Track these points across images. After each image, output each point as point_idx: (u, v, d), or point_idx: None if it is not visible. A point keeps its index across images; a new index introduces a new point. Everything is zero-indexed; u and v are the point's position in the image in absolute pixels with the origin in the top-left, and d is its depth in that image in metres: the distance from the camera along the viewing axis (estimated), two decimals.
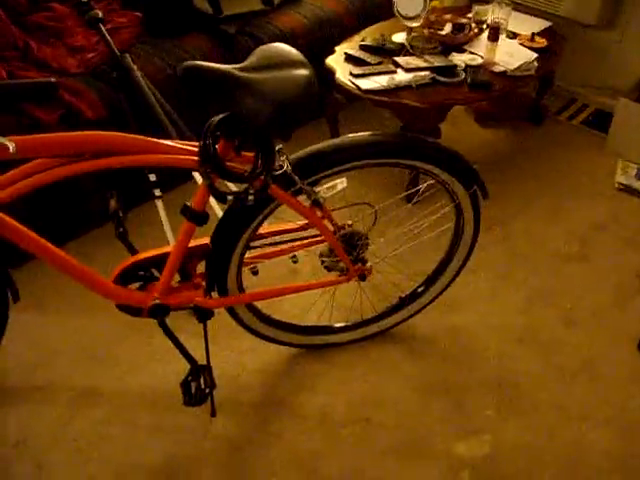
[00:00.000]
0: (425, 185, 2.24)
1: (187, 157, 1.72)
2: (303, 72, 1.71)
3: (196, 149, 1.72)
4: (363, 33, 3.12)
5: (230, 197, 1.71)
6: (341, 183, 1.96)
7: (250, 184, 1.70)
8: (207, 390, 2.02)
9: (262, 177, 1.70)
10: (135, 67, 2.50)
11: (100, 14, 2.63)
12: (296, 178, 1.80)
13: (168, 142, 1.73)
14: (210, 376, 2.03)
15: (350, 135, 1.90)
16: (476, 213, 2.11)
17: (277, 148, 1.75)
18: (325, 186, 1.95)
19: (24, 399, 2.21)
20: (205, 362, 2.05)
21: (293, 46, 1.83)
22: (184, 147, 1.73)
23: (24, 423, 2.14)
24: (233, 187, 2.17)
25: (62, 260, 1.81)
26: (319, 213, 1.92)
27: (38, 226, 1.77)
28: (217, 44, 2.91)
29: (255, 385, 2.23)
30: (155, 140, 1.71)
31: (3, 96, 1.34)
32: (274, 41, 2.98)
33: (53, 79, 1.28)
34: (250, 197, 1.71)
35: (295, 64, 1.73)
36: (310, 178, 1.85)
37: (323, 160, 1.86)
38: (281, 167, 1.78)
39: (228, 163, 1.69)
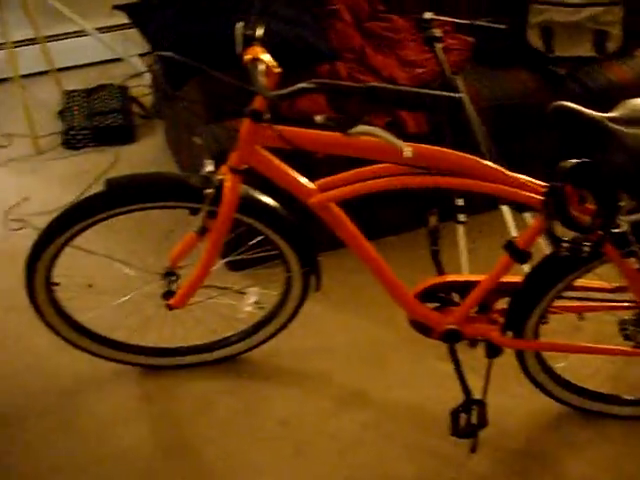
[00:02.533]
0: None
1: (531, 195, 1.70)
2: None
3: (542, 188, 1.71)
4: None
5: (566, 244, 1.67)
6: None
7: (587, 236, 1.66)
8: (477, 426, 2.00)
9: (600, 232, 1.65)
10: (463, 90, 2.53)
11: (439, 33, 2.69)
12: (633, 240, 1.73)
13: (515, 175, 1.72)
14: (484, 413, 2.00)
15: None
16: None
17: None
18: None
19: (294, 383, 2.30)
20: (479, 397, 2.02)
21: (618, 100, 1.75)
22: (529, 183, 1.72)
23: (290, 405, 2.22)
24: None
25: (373, 258, 1.86)
26: None
27: None
28: (544, 83, 2.87)
29: (520, 433, 2.17)
30: (503, 170, 1.71)
31: (408, 102, 1.39)
32: (601, 90, 2.94)
33: (460, 95, 1.30)
34: (585, 249, 1.67)
35: None
36: None
37: None
38: (619, 226, 1.72)
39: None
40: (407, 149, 1.35)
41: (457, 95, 1.34)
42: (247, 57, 1.62)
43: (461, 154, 1.65)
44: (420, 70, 2.79)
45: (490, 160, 2.34)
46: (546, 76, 2.91)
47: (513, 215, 2.39)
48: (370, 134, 1.39)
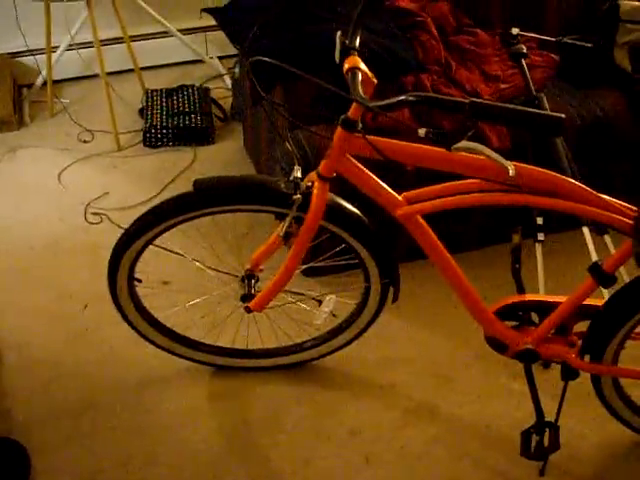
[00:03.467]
0: None
1: (621, 218, 1.68)
2: None
3: (632, 212, 1.68)
4: None
5: None
6: None
7: None
8: (549, 449, 1.97)
9: None
10: (547, 108, 2.51)
11: (524, 49, 2.68)
12: None
13: (605, 197, 1.70)
14: (557, 436, 1.98)
15: None
16: None
17: None
18: None
19: (365, 393, 2.31)
20: (552, 420, 2.00)
21: None
22: (620, 207, 1.70)
23: (361, 415, 2.23)
24: None
25: (454, 273, 1.86)
26: None
27: None
28: (629, 104, 2.83)
29: (591, 459, 2.13)
30: (595, 193, 1.69)
31: (509, 119, 1.38)
32: None
33: (563, 115, 1.30)
34: None
35: None
36: None
37: None
38: None
39: None
40: (512, 168, 1.35)
41: (560, 115, 1.32)
42: (346, 66, 1.63)
43: (556, 174, 1.63)
44: (504, 85, 2.77)
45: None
46: (631, 97, 2.86)
47: (593, 237, 2.38)
48: (475, 151, 1.39)
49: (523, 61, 2.66)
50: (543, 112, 1.36)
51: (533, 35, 2.92)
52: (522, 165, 1.58)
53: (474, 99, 1.37)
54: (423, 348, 2.45)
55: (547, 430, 1.99)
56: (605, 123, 2.73)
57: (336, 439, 2.17)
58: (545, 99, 2.54)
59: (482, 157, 1.45)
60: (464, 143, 1.37)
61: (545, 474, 2.06)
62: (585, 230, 2.37)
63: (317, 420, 2.22)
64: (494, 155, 1.37)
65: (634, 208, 1.69)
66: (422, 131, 1.41)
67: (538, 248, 2.40)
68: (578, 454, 2.15)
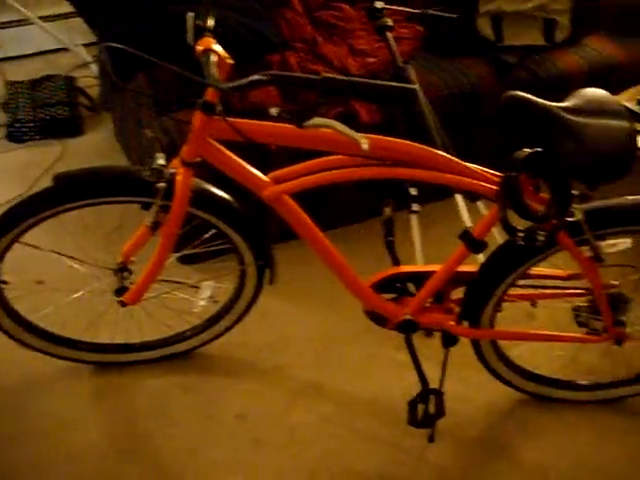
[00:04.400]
0: None
1: (486, 185, 1.71)
2: (624, 124, 1.65)
3: (496, 178, 1.71)
4: None
5: (521, 234, 1.68)
6: (625, 243, 1.88)
7: (542, 225, 1.66)
8: (435, 416, 2.00)
9: (555, 221, 1.66)
10: (415, 79, 2.53)
11: (390, 22, 2.68)
12: (586, 228, 1.75)
13: (471, 165, 1.72)
14: (441, 403, 2.01)
15: None
16: None
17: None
18: (608, 242, 1.87)
19: (250, 377, 2.28)
20: (437, 387, 2.03)
21: (567, 88, 1.77)
22: (484, 174, 1.72)
23: (247, 400, 2.21)
24: None
25: (327, 250, 1.85)
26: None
27: None
28: (494, 71, 2.88)
29: (478, 421, 2.18)
30: (460, 162, 1.71)
31: (362, 93, 1.37)
32: (551, 78, 2.97)
33: (414, 85, 1.29)
34: (540, 238, 1.68)
35: (616, 114, 1.67)
36: (598, 231, 1.78)
37: (616, 217, 1.79)
38: (572, 214, 1.73)
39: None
40: (364, 141, 1.33)
41: (411, 86, 1.32)
42: (199, 48, 1.59)
43: (416, 145, 1.64)
44: (371, 59, 2.78)
45: (443, 150, 2.35)
46: (496, 65, 2.92)
47: (466, 204, 2.40)
48: (327, 127, 1.37)
49: (389, 34, 2.65)
50: (395, 84, 1.35)
51: (398, 8, 2.92)
52: (379, 137, 1.58)
53: (326, 74, 1.35)
54: (305, 328, 2.45)
55: (432, 397, 2.01)
56: (471, 91, 2.78)
57: (225, 426, 2.14)
58: (411, 70, 2.54)
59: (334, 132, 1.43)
60: (315, 120, 1.35)
61: (435, 440, 2.09)
62: (458, 197, 2.40)
63: (204, 408, 2.19)
64: (346, 130, 1.36)
65: (498, 174, 1.71)
66: (274, 110, 1.39)
67: (413, 219, 2.40)
68: (465, 417, 2.19)
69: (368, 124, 2.54)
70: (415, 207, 2.40)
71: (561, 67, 3.00)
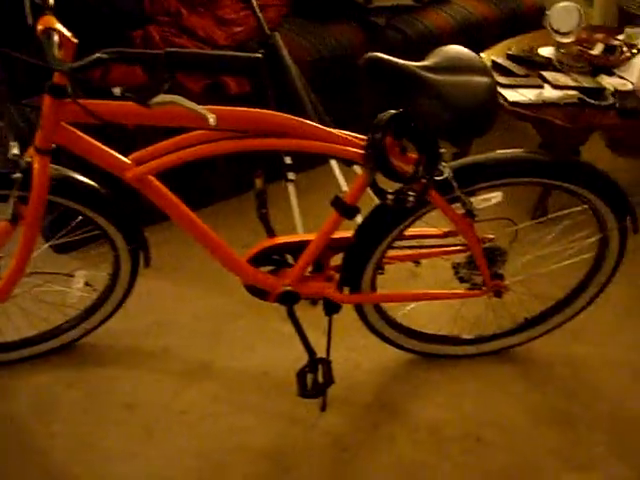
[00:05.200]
0: (574, 210, 2.15)
1: (352, 149, 1.69)
2: (485, 80, 1.66)
3: (361, 142, 1.69)
4: (509, 42, 3.04)
5: (391, 196, 1.67)
6: (496, 197, 1.90)
7: (411, 186, 1.66)
8: (324, 384, 1.99)
9: (424, 181, 1.66)
10: (283, 47, 2.49)
11: None
12: (455, 186, 1.76)
13: (335, 131, 1.70)
14: (329, 371, 2.00)
15: (511, 150, 1.84)
16: (622, 247, 2.03)
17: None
18: (479, 198, 1.89)
19: (136, 364, 2.23)
20: (324, 355, 2.02)
21: (437, 47, 1.77)
22: (350, 138, 1.70)
23: (135, 387, 2.15)
24: None
25: (198, 228, 1.80)
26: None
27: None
28: (364, 34, 2.88)
29: (369, 386, 2.19)
30: (324, 128, 1.69)
31: (208, 66, 1.33)
32: (421, 38, 2.98)
33: (260, 54, 1.26)
34: (410, 199, 1.67)
35: (477, 70, 1.68)
36: (468, 188, 1.80)
37: (484, 172, 1.81)
38: (441, 173, 1.74)
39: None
40: (211, 116, 1.29)
41: (256, 55, 1.28)
42: (39, 28, 1.50)
43: (276, 114, 1.60)
44: (238, 29, 2.73)
45: (315, 117, 2.33)
46: (366, 27, 2.91)
47: (343, 169, 2.40)
48: (172, 103, 1.31)
49: (254, 1, 2.60)
50: (239, 54, 1.31)
51: None
52: (236, 109, 1.54)
53: (170, 49, 1.30)
54: (189, 308, 2.41)
55: (320, 366, 2.01)
56: (342, 55, 2.77)
57: (114, 417, 2.08)
58: (279, 37, 2.51)
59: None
60: (161, 97, 1.29)
61: (327, 409, 2.09)
62: (333, 163, 2.39)
63: (92, 401, 2.12)
64: (192, 106, 1.31)
65: (363, 137, 1.69)
66: (117, 90, 1.33)
67: (290, 188, 2.39)
68: (355, 383, 2.20)
69: (237, 94, 2.49)
70: (291, 176, 2.39)
71: (430, 26, 3.02)
